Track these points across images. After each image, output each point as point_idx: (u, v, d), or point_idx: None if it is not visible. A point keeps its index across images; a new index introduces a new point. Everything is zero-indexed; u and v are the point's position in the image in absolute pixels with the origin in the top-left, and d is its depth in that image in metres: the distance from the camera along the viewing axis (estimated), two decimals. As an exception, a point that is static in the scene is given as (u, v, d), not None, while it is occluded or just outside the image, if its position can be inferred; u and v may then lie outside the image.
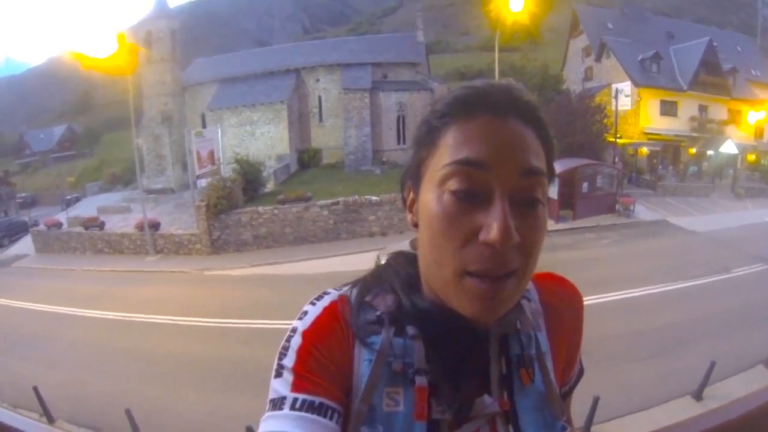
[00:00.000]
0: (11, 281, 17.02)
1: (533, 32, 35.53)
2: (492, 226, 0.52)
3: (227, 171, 22.48)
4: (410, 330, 0.61)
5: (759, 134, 31.58)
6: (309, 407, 0.56)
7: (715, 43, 29.12)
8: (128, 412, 6.10)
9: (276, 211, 18.37)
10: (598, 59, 31.92)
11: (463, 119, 0.56)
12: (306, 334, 0.61)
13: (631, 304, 10.06)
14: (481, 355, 0.63)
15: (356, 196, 18.65)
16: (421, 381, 0.58)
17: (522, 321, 0.66)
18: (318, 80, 31.93)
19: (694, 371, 6.74)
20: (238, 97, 31.07)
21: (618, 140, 24.76)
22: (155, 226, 19.85)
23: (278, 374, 0.59)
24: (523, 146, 0.55)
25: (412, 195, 0.65)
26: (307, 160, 30.53)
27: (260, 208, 18.53)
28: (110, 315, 11.82)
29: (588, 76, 33.55)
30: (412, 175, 0.63)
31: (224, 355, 9.11)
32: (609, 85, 28.18)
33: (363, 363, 0.60)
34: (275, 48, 41.52)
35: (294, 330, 0.62)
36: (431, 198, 0.57)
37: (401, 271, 0.67)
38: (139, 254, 19.02)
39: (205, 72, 34.21)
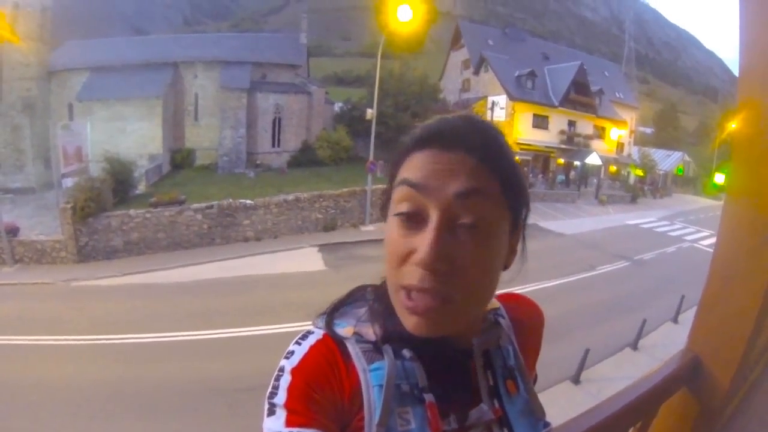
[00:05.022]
0: None
1: (419, 41, 36.38)
2: (422, 247, 0.56)
3: (96, 170, 20.14)
4: (406, 353, 0.64)
5: (620, 149, 36.41)
6: None
7: (585, 67, 32.13)
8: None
9: (148, 215, 16.87)
10: (476, 72, 33.47)
11: (417, 152, 0.61)
12: (295, 371, 0.61)
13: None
14: (468, 369, 0.68)
15: (230, 200, 17.78)
16: (430, 398, 0.61)
17: (502, 336, 0.73)
18: (196, 76, 29.95)
19: (571, 358, 7.35)
20: (111, 89, 27.82)
21: (493, 149, 25.96)
22: (13, 231, 17.03)
23: (271, 413, 0.59)
24: (460, 171, 0.58)
25: None
26: (180, 160, 28.54)
27: (132, 212, 16.84)
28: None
29: (465, 87, 35.12)
30: (384, 205, 0.68)
31: (99, 376, 7.96)
32: (485, 98, 29.76)
33: (373, 390, 0.61)
34: (153, 38, 38.08)
35: (282, 369, 0.62)
36: (388, 222, 0.63)
37: (373, 299, 0.70)
38: (-6, 264, 16.25)
39: (76, 57, 30.22)
